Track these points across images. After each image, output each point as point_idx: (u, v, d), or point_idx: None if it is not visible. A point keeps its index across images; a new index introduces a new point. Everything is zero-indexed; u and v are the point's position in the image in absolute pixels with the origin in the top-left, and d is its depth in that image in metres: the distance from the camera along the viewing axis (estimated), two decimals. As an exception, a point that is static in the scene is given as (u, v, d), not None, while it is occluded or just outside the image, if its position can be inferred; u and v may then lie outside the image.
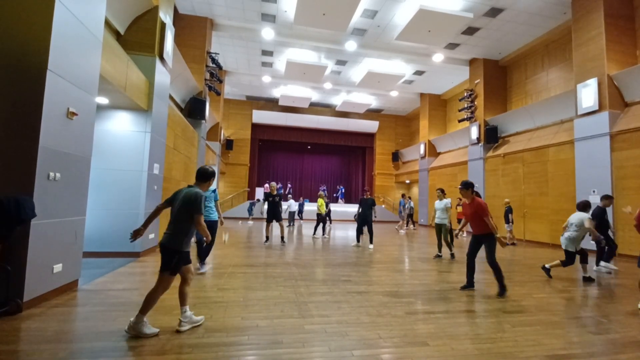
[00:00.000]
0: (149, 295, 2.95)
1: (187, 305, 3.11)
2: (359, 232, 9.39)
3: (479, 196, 4.91)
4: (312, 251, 8.10)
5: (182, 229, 3.02)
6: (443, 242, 7.76)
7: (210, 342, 2.81)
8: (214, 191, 5.64)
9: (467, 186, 4.78)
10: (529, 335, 3.16)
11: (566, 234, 5.76)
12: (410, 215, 15.38)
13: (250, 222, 16.71)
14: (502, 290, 4.52)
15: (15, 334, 2.88)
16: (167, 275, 2.98)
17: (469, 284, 4.82)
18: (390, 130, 23.25)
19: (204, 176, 3.31)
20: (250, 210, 17.41)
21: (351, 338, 2.97)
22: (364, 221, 9.12)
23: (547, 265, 5.89)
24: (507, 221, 10.44)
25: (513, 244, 10.56)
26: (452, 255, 7.54)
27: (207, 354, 2.59)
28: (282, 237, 9.05)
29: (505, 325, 3.40)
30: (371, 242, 8.93)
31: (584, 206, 5.84)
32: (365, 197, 9.33)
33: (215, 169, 16.06)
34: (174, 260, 2.97)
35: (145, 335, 2.84)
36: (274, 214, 8.84)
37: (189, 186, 3.17)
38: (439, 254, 7.64)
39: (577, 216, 5.70)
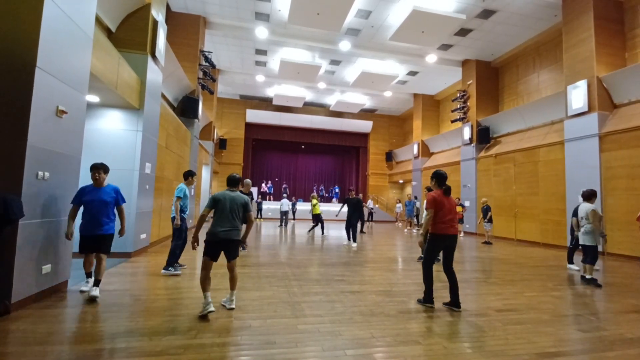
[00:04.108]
0: (236, 277, 3.74)
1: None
2: (351, 231, 9.61)
3: (446, 192, 4.00)
4: (305, 251, 8.09)
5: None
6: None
7: (203, 342, 2.79)
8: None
9: (432, 178, 4.13)
10: (519, 333, 3.20)
11: (582, 229, 5.53)
12: (416, 216, 15.42)
13: None
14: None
15: (4, 336, 2.82)
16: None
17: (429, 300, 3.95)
18: (384, 130, 23.35)
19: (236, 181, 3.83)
20: None
21: (344, 337, 2.98)
22: (350, 220, 9.51)
23: (587, 276, 5.42)
24: (487, 220, 10.68)
25: (489, 242, 10.71)
26: (438, 259, 7.16)
27: (200, 355, 2.57)
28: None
29: (496, 323, 3.44)
30: (354, 240, 9.19)
31: (588, 196, 5.54)
32: (350, 196, 9.73)
33: (209, 168, 15.95)
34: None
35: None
36: None
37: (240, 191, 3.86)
38: (422, 256, 7.38)
39: (584, 208, 5.52)
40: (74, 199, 3.97)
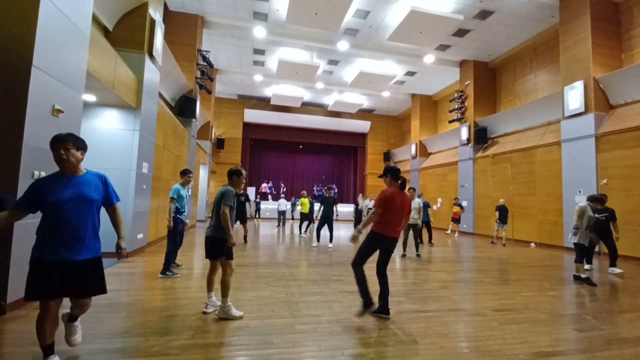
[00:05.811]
0: (224, 281, 3.39)
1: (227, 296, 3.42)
2: (319, 230, 9.18)
3: (402, 186, 3.67)
4: (303, 251, 8.08)
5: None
6: (409, 241, 8.20)
7: (200, 343, 2.78)
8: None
9: (386, 174, 3.73)
10: (516, 333, 3.21)
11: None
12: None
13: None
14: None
15: (-2, 337, 2.80)
16: (227, 259, 3.44)
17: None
18: (382, 130, 23.37)
19: (228, 175, 3.69)
20: None
21: (342, 337, 2.98)
22: (325, 219, 9.04)
23: (575, 274, 5.57)
24: (503, 221, 10.41)
25: (493, 242, 10.72)
26: (418, 255, 7.65)
27: (197, 355, 2.56)
28: (245, 237, 9.11)
29: (493, 323, 3.45)
30: (331, 240, 9.02)
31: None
32: (327, 195, 9.42)
33: (207, 168, 15.92)
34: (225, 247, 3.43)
35: (233, 317, 3.31)
36: (238, 214, 8.16)
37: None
38: (405, 253, 7.71)
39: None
40: (20, 201, 2.20)
